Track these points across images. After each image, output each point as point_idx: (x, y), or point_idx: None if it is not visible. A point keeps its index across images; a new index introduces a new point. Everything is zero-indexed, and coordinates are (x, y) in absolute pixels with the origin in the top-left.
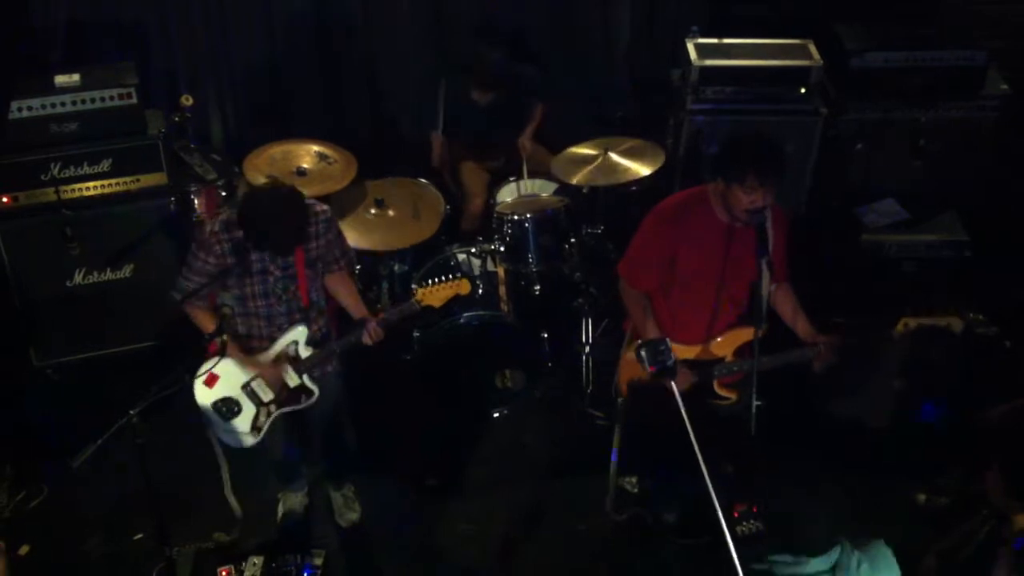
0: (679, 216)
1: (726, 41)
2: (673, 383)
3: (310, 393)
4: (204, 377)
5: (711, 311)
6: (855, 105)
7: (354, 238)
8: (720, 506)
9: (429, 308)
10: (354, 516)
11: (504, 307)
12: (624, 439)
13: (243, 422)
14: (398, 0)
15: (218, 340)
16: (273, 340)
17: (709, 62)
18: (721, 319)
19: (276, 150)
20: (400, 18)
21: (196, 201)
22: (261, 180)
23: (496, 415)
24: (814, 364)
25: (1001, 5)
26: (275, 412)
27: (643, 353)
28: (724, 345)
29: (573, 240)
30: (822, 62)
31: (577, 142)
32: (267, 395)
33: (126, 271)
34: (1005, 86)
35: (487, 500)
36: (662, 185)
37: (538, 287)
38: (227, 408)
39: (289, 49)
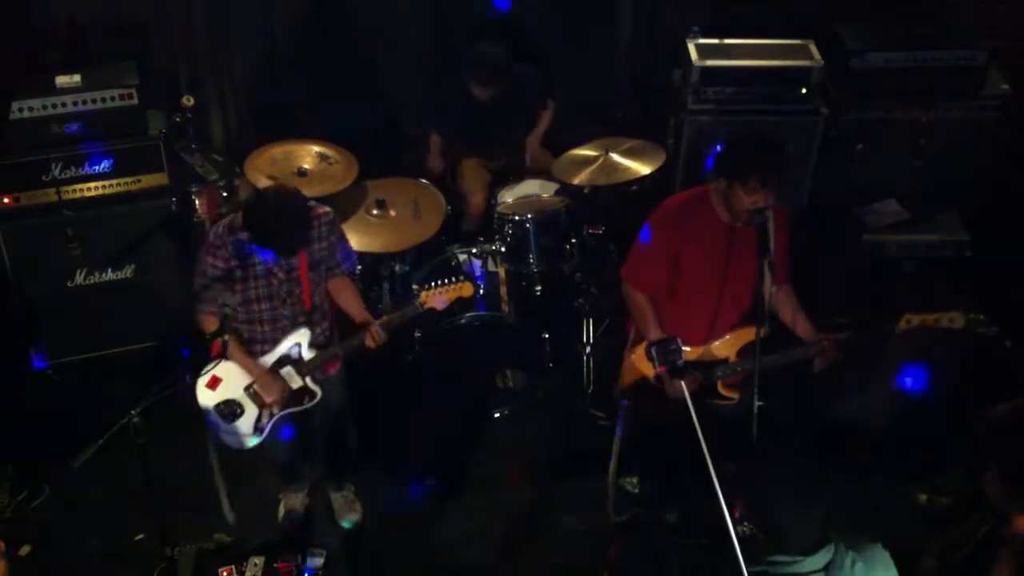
0: (681, 217)
1: (727, 41)
2: (683, 383)
3: (313, 395)
4: (207, 379)
5: (714, 312)
6: (856, 105)
7: (355, 238)
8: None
9: (432, 310)
10: (355, 517)
11: (505, 307)
12: (625, 442)
13: (245, 424)
14: (398, 0)
15: (220, 340)
16: (276, 343)
17: (710, 62)
18: (724, 320)
19: (277, 150)
20: (401, 18)
21: (197, 201)
22: (262, 180)
23: (497, 415)
24: (816, 362)
25: (1001, 5)
26: (278, 413)
27: (654, 352)
28: (727, 346)
29: (574, 240)
30: (823, 62)
31: (578, 142)
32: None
33: (127, 271)
34: (1006, 86)
35: (487, 500)
36: (662, 185)
37: (539, 287)
38: (229, 410)
39: (290, 49)
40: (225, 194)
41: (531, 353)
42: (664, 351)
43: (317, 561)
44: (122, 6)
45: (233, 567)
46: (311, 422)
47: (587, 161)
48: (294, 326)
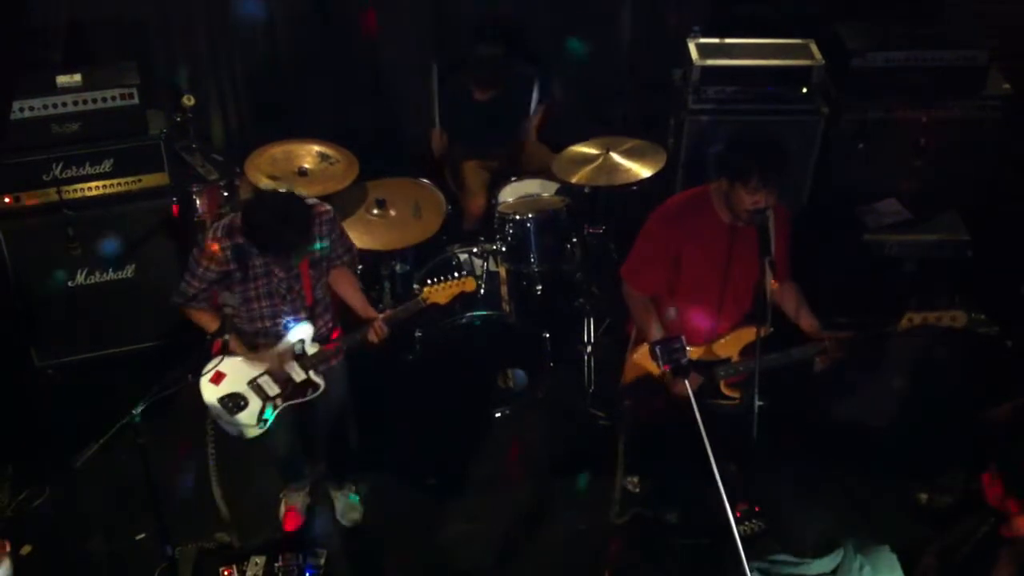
0: (681, 217)
1: (727, 41)
2: (687, 382)
3: (316, 386)
4: (210, 375)
5: (715, 311)
6: (856, 105)
7: (355, 238)
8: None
9: (434, 306)
10: (356, 515)
11: (506, 307)
12: (627, 442)
13: (249, 416)
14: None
15: (221, 339)
16: (279, 338)
17: (710, 62)
18: (725, 319)
19: (277, 150)
20: (401, 18)
21: (198, 201)
22: (263, 180)
23: (497, 415)
24: (817, 362)
25: (1001, 5)
26: (281, 405)
27: (658, 351)
28: (729, 345)
29: (575, 240)
30: (823, 62)
31: (578, 142)
32: (273, 390)
33: (128, 271)
34: (1007, 85)
35: (488, 500)
36: (662, 185)
37: (540, 287)
38: (233, 403)
39: (291, 48)
40: (226, 194)
41: (531, 353)
42: (668, 350)
43: (318, 560)
44: (122, 6)
45: (233, 567)
46: (313, 419)
47: (587, 160)
48: (296, 321)
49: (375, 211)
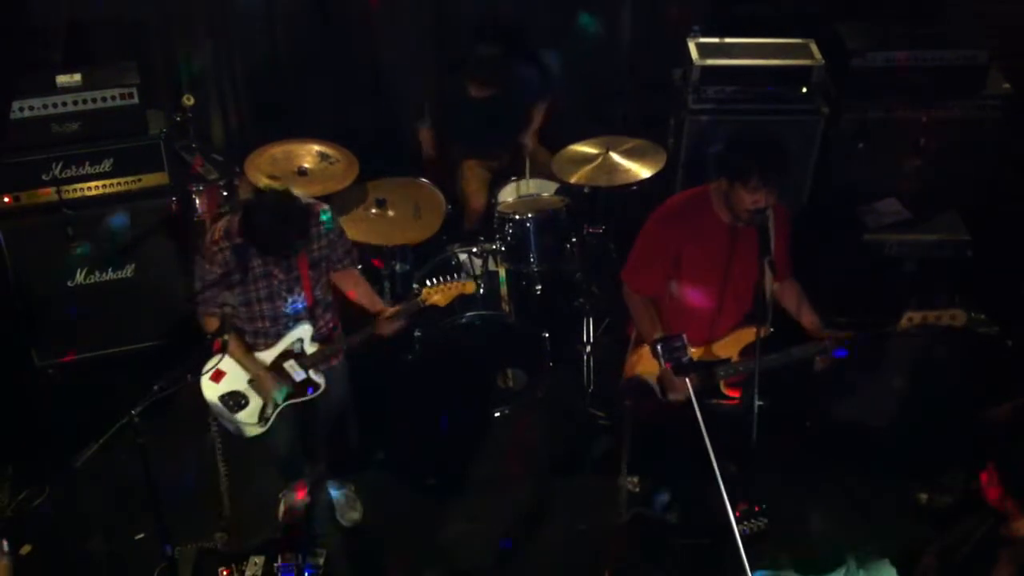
0: (681, 217)
1: (727, 40)
2: (687, 380)
3: (316, 385)
4: (211, 373)
5: (715, 312)
6: (856, 104)
7: (355, 238)
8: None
9: (434, 307)
10: (356, 515)
11: (505, 307)
12: (627, 441)
13: (250, 414)
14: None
15: (221, 339)
16: (279, 338)
17: (710, 61)
18: (726, 319)
19: (277, 150)
20: (401, 17)
21: (197, 201)
22: (263, 180)
23: (497, 415)
24: (817, 361)
25: (1001, 5)
26: (281, 404)
27: (659, 349)
28: (729, 345)
29: (574, 240)
30: (823, 61)
31: (578, 142)
32: None
33: (127, 271)
34: (1007, 85)
35: (487, 499)
36: (662, 185)
37: (539, 287)
38: (234, 401)
39: (291, 48)
40: (225, 194)
41: (531, 353)
42: (670, 348)
43: (317, 560)
44: (122, 6)
45: (233, 566)
46: (313, 418)
47: (587, 159)
48: (296, 322)
49: (375, 211)
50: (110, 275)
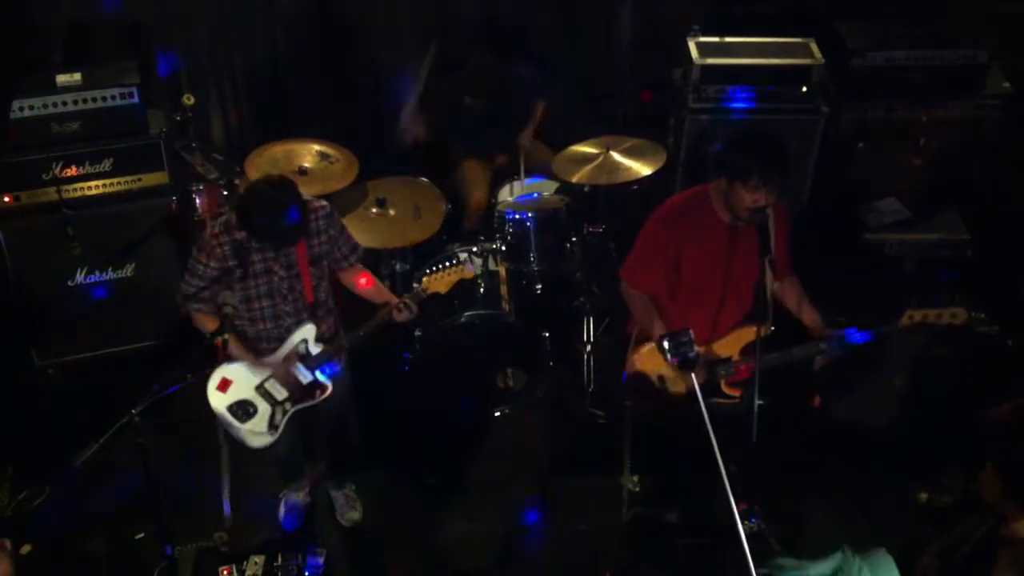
0: (681, 216)
1: (727, 40)
2: (693, 376)
3: (324, 388)
4: (217, 382)
5: (716, 311)
6: (856, 104)
7: (355, 237)
8: (724, 506)
9: (436, 296)
10: (356, 515)
11: (505, 306)
12: (628, 441)
13: (260, 422)
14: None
15: (220, 339)
16: (282, 340)
17: (710, 61)
18: (726, 318)
19: (278, 149)
20: (401, 17)
21: (198, 200)
22: None
23: (497, 414)
24: (817, 361)
25: (1001, 5)
26: (291, 409)
27: (666, 344)
28: (729, 344)
29: (574, 239)
30: (823, 61)
31: (578, 141)
32: (281, 394)
33: (127, 271)
34: (1007, 85)
35: (488, 499)
36: (662, 184)
37: (539, 286)
38: (242, 411)
39: (291, 48)
40: (226, 193)
41: (531, 352)
42: (676, 343)
43: (318, 560)
44: (122, 6)
45: (233, 566)
46: (313, 418)
47: (587, 159)
48: (298, 322)
49: (375, 210)
50: (110, 275)
